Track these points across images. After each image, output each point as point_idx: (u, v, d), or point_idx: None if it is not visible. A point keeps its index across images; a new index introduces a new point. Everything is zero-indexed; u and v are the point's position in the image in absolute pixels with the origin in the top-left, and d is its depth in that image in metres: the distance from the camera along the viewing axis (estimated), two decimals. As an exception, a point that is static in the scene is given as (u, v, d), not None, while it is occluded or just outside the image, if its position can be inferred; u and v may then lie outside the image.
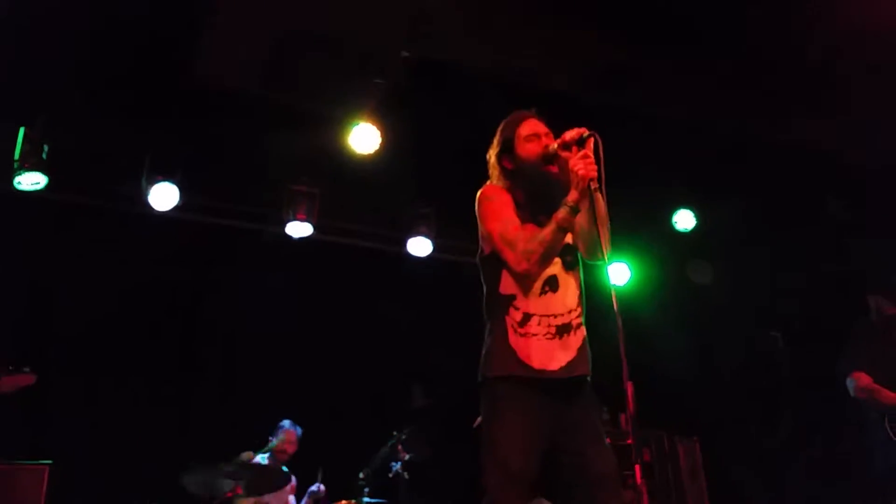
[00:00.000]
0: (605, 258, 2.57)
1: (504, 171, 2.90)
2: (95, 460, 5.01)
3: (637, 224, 6.32)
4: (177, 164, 5.54)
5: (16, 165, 5.06)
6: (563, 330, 2.70)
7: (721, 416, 6.75)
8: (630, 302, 6.45)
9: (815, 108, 5.70)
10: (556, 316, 2.70)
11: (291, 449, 5.46)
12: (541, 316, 2.69)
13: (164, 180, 5.48)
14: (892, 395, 4.14)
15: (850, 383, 4.29)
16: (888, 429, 4.12)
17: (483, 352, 2.77)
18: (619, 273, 6.86)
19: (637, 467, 2.50)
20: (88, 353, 5.54)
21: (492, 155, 2.95)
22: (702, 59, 5.21)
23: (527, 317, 2.70)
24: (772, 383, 7.02)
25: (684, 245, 6.95)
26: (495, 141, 2.95)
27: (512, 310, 2.72)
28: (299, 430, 5.53)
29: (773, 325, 7.18)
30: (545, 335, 2.67)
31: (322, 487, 5.25)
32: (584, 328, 2.78)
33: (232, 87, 5.16)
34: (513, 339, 2.69)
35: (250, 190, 6.07)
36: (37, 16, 4.47)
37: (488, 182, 2.94)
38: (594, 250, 2.74)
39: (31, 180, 5.11)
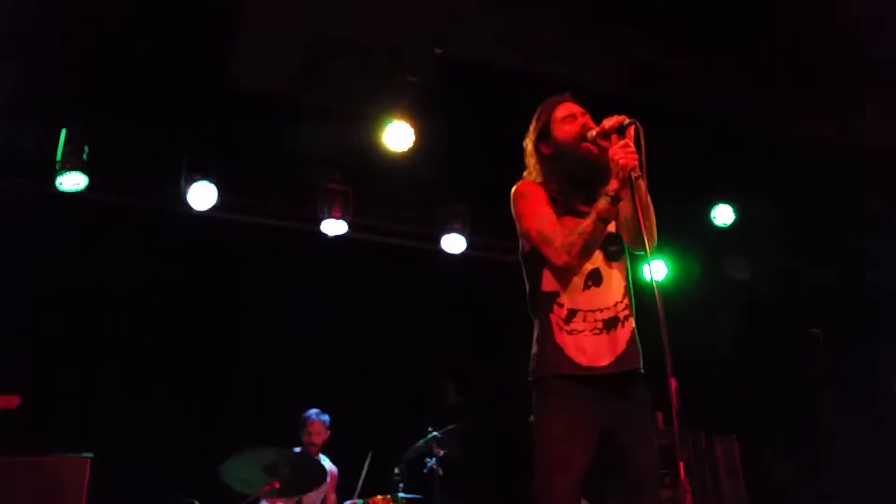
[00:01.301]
0: (648, 250, 2.50)
1: (541, 158, 2.84)
2: (136, 454, 5.08)
3: (674, 219, 6.22)
4: (214, 164, 5.58)
5: (57, 167, 5.15)
6: (611, 324, 2.64)
7: (761, 415, 6.64)
8: (667, 297, 6.35)
9: (856, 105, 5.58)
10: (601, 310, 2.65)
11: (319, 439, 5.35)
12: (586, 311, 2.64)
13: (201, 179, 5.53)
14: None
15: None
16: None
17: (532, 351, 2.72)
18: (656, 269, 6.77)
19: (682, 464, 2.44)
20: (128, 348, 5.65)
21: (528, 143, 2.89)
22: (740, 57, 5.14)
23: (572, 313, 2.64)
24: (812, 381, 6.89)
25: (723, 240, 6.85)
26: (531, 128, 2.88)
27: (556, 307, 2.67)
28: (326, 418, 5.39)
29: (814, 322, 7.05)
30: (592, 331, 2.62)
31: None
32: (632, 320, 2.71)
33: (266, 87, 5.19)
34: (559, 336, 2.63)
35: (285, 188, 6.11)
36: (73, 18, 4.54)
37: (522, 176, 2.88)
38: (639, 240, 2.65)
39: (72, 181, 5.18)
